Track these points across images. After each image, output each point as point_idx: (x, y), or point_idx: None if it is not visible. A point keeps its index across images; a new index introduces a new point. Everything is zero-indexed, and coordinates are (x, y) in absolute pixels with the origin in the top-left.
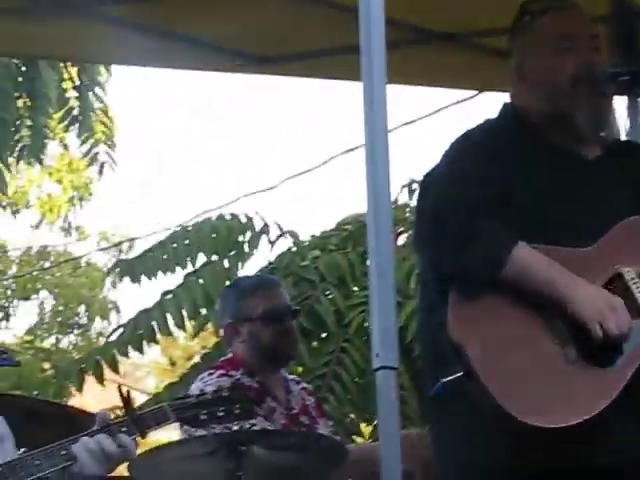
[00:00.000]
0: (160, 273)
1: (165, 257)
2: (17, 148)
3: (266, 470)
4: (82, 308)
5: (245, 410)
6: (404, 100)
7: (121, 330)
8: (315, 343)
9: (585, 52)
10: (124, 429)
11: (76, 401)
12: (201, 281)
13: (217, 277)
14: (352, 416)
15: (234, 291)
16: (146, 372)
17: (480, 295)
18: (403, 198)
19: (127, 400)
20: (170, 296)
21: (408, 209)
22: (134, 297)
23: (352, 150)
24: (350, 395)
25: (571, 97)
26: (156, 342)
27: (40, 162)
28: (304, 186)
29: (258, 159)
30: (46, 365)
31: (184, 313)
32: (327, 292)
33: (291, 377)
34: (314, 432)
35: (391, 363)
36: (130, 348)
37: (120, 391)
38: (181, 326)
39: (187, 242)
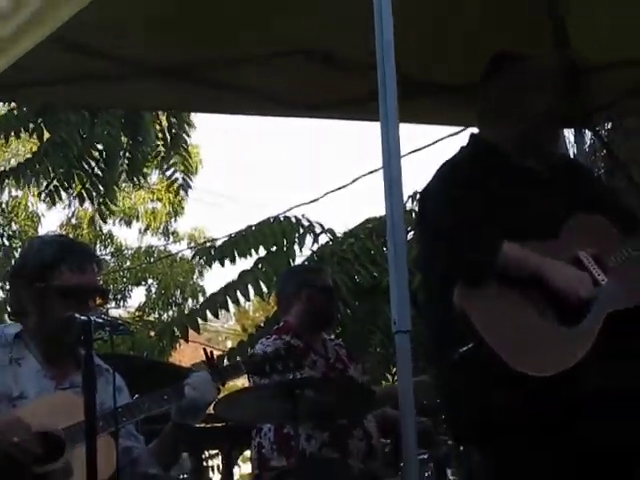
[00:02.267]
0: (237, 257)
1: (239, 246)
2: (121, 171)
3: (314, 407)
4: (178, 291)
5: (297, 364)
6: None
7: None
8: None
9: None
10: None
11: (174, 360)
12: (265, 266)
13: (277, 263)
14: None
15: (296, 270)
16: (225, 337)
17: (480, 284)
18: (409, 205)
19: (211, 358)
20: (243, 276)
21: (413, 213)
22: (215, 283)
23: (374, 172)
24: (380, 348)
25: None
26: (227, 310)
27: (139, 181)
28: (339, 198)
29: (306, 178)
30: (152, 333)
31: (250, 290)
32: (362, 268)
33: (327, 337)
34: (347, 377)
35: (406, 327)
36: (208, 313)
37: (205, 351)
38: (248, 299)
39: (255, 237)
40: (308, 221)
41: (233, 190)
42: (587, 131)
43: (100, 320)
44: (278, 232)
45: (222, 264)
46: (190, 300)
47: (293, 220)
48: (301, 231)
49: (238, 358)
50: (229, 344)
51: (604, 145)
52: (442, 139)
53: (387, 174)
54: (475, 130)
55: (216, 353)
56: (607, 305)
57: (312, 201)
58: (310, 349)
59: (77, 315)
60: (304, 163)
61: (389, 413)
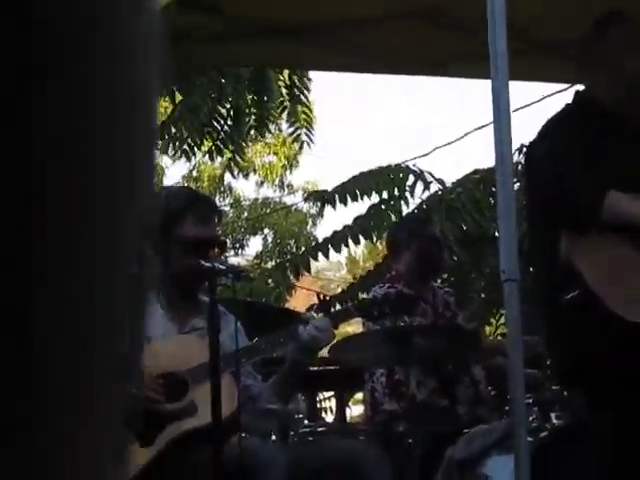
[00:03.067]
0: (349, 201)
1: (351, 191)
2: (249, 128)
3: (424, 354)
4: (292, 241)
5: (405, 309)
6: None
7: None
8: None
9: None
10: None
11: (289, 306)
12: (377, 213)
13: (389, 210)
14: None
15: (407, 220)
16: (337, 285)
17: (586, 232)
18: (515, 158)
19: (324, 302)
20: (355, 221)
21: (519, 166)
22: (327, 233)
23: (484, 127)
24: (484, 294)
25: None
26: (338, 250)
27: (263, 136)
28: (449, 153)
29: (417, 134)
30: (269, 281)
31: (360, 236)
32: (469, 216)
33: (437, 285)
34: (455, 325)
35: (514, 276)
36: (319, 254)
37: (319, 295)
38: (358, 242)
39: (367, 183)
40: (420, 170)
41: (345, 145)
42: None
43: (223, 267)
44: (390, 179)
45: (334, 207)
46: (304, 249)
47: (405, 169)
48: (412, 179)
49: (349, 303)
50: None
51: None
52: (549, 96)
53: (497, 129)
54: (581, 87)
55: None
56: None
57: (422, 155)
58: (420, 298)
59: (202, 262)
60: (414, 119)
61: (497, 361)
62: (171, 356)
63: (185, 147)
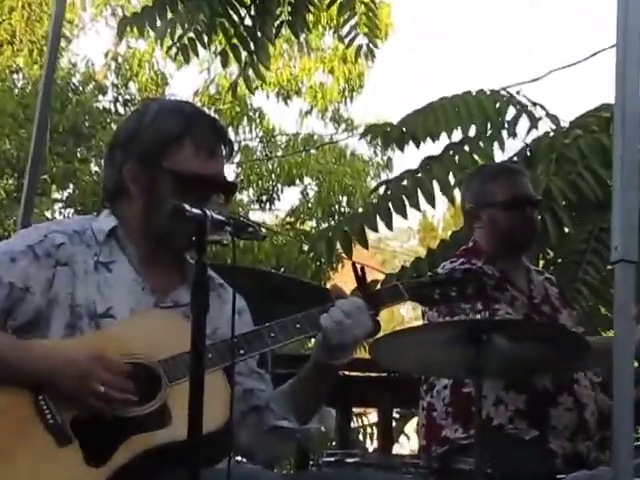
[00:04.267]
0: (423, 140)
1: (426, 125)
2: (280, 23)
3: (506, 360)
4: (344, 197)
5: (478, 291)
6: None
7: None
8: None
9: None
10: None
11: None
12: (459, 156)
13: (477, 153)
14: (603, 310)
15: (477, 176)
16: (404, 260)
17: None
18: None
19: (361, 277)
20: (427, 167)
21: None
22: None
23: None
24: (604, 287)
25: None
26: (405, 216)
27: (297, 37)
28: (569, 79)
29: (525, 54)
30: (306, 247)
31: (436, 190)
32: (589, 172)
33: (534, 267)
34: (556, 323)
35: (630, 257)
36: (379, 220)
37: (354, 268)
38: (432, 203)
39: (447, 113)
40: (526, 101)
41: (428, 70)
42: None
43: (219, 217)
44: (481, 110)
45: (401, 148)
46: (361, 211)
47: (504, 97)
48: (513, 113)
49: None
50: None
51: None
52: None
53: (620, 52)
54: None
55: (373, 274)
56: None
57: (532, 80)
58: (506, 280)
59: (187, 207)
60: (522, 36)
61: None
62: (141, 339)
63: (185, 41)
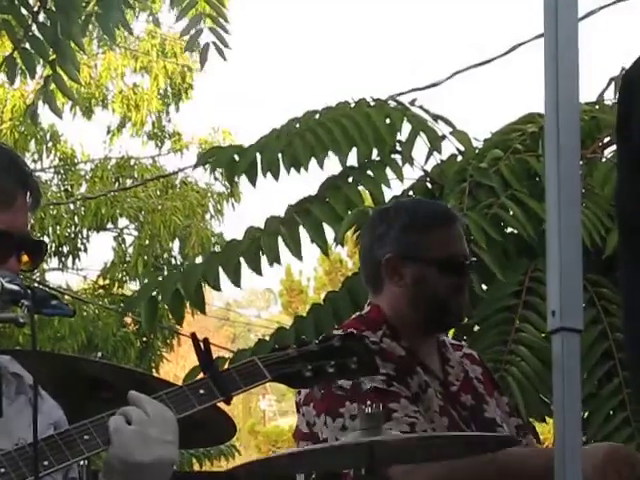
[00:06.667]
0: (284, 169)
1: (289, 149)
2: (86, 16)
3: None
4: (175, 242)
5: (365, 364)
6: None
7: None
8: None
9: None
10: (201, 392)
11: (170, 368)
12: (334, 193)
13: (358, 186)
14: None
15: (401, 217)
16: (263, 334)
17: None
18: (610, 95)
19: (204, 352)
20: (294, 208)
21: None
22: (244, 226)
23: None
24: (539, 360)
25: None
26: (259, 272)
27: (111, 36)
28: (478, 82)
29: (421, 50)
30: (128, 319)
31: (305, 238)
32: (518, 205)
33: (449, 340)
34: (483, 421)
35: (574, 324)
36: (222, 274)
37: (195, 340)
38: (299, 255)
39: (318, 133)
40: (424, 113)
41: (285, 72)
42: None
43: (12, 286)
44: (366, 127)
45: (253, 182)
46: (199, 262)
47: (393, 107)
48: (408, 130)
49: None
50: None
51: None
52: None
53: (551, 42)
54: None
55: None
56: None
57: (430, 85)
58: (415, 361)
59: None
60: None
61: None
62: None
63: None
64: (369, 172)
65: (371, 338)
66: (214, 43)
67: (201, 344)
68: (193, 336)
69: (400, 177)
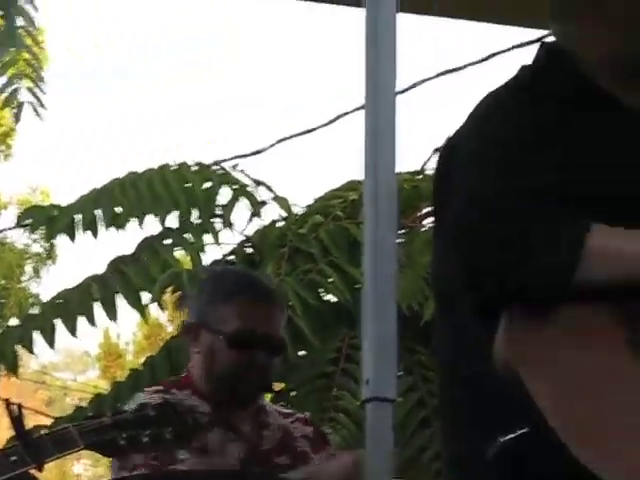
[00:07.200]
0: (104, 226)
1: (109, 207)
2: None
3: None
4: None
5: (180, 435)
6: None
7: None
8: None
9: None
10: (13, 458)
11: None
12: (149, 254)
13: (175, 248)
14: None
15: (208, 284)
16: (79, 399)
17: (548, 311)
18: (434, 165)
19: (17, 419)
20: (113, 270)
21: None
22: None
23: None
24: (358, 427)
25: None
26: (73, 333)
27: None
28: (302, 150)
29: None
30: None
31: (120, 300)
32: (335, 270)
33: (276, 407)
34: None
35: (387, 393)
36: (36, 337)
37: (8, 406)
38: (113, 317)
39: (139, 194)
40: (246, 178)
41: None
42: None
43: None
44: (184, 191)
45: (71, 239)
46: (15, 324)
47: (214, 171)
48: (229, 195)
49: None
50: None
51: None
52: (491, 57)
53: (371, 111)
54: (549, 37)
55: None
56: None
57: (254, 153)
58: (219, 421)
59: None
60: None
61: None
62: None
63: None
64: (187, 235)
65: (177, 395)
66: (31, 103)
67: (14, 410)
68: (6, 402)
69: (217, 242)
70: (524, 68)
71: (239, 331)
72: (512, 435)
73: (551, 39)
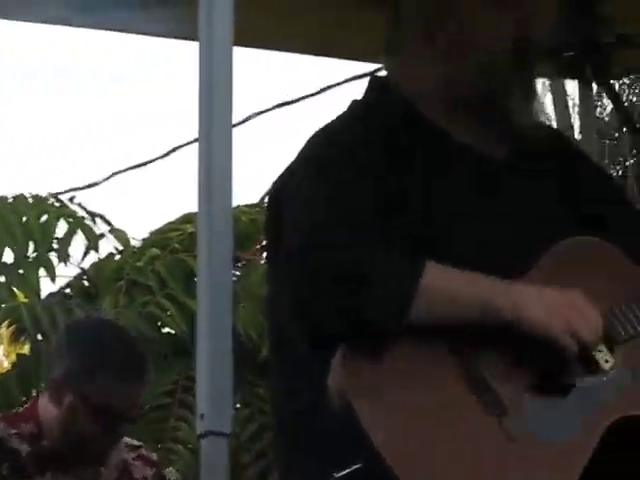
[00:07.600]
0: None
1: None
2: None
3: None
4: None
5: (18, 471)
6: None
7: None
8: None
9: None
10: None
11: None
12: None
13: (12, 286)
14: None
15: (74, 343)
16: None
17: (379, 349)
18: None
19: None
20: None
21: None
22: None
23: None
24: (197, 458)
25: (507, 69)
26: None
27: None
28: (137, 182)
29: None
30: None
31: None
32: (174, 304)
33: (130, 442)
34: None
35: (223, 428)
36: None
37: None
38: None
39: None
40: (82, 211)
41: None
42: (595, 85)
43: None
44: (19, 225)
45: None
46: None
47: (51, 204)
48: (65, 228)
49: None
50: None
51: (619, 105)
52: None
53: (205, 144)
54: (380, 71)
55: None
56: (610, 407)
57: (89, 185)
58: (44, 463)
59: None
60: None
61: None
62: None
63: None
64: (21, 270)
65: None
66: None
67: None
68: None
69: (52, 276)
70: (356, 102)
71: (105, 404)
72: (347, 470)
73: (382, 73)
